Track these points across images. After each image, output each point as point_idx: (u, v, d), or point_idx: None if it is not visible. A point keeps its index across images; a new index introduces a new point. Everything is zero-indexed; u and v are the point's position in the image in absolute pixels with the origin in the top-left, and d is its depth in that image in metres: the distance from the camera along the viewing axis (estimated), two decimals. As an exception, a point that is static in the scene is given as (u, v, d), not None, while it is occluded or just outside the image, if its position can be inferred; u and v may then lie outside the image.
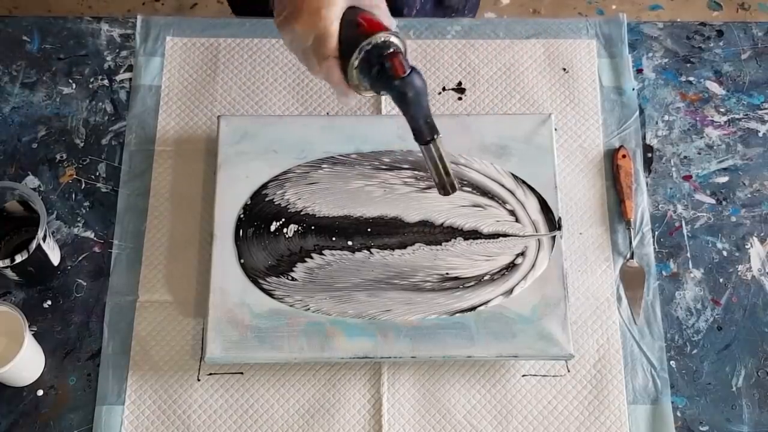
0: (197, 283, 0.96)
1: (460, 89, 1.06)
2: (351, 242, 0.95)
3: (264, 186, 0.97)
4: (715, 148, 1.05)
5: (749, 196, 1.02)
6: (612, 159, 1.03)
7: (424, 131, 0.75)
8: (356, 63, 0.74)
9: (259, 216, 0.95)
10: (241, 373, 0.93)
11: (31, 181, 1.01)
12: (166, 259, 0.97)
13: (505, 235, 0.95)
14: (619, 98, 1.06)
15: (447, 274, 0.93)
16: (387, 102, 1.05)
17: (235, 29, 1.09)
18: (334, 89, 0.79)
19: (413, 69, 0.73)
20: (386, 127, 0.99)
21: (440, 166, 0.76)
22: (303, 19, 0.75)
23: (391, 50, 0.73)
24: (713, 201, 1.02)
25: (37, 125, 1.04)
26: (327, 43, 0.74)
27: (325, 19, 0.74)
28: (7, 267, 0.88)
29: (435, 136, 0.75)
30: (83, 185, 1.01)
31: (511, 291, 0.93)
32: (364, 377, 0.93)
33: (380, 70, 0.73)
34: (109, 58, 1.07)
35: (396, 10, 1.14)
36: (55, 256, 0.95)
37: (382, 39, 0.73)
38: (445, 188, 0.78)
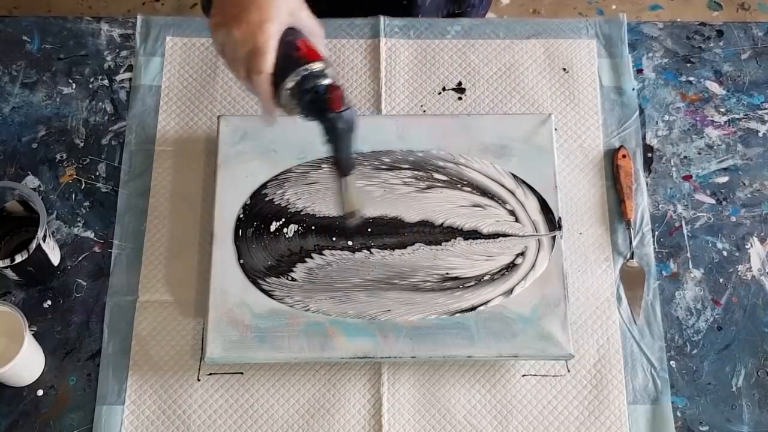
0: (197, 283, 0.96)
1: (460, 89, 1.06)
2: (351, 242, 0.95)
3: (264, 186, 0.97)
4: (715, 148, 1.05)
5: (749, 196, 1.02)
6: (612, 159, 1.03)
7: (346, 166, 0.78)
8: (290, 85, 0.75)
9: (258, 216, 0.95)
10: (241, 373, 0.93)
11: (31, 181, 1.01)
12: (166, 259, 0.97)
13: (505, 235, 0.95)
14: (619, 98, 1.06)
15: (447, 274, 0.93)
16: (387, 102, 1.05)
17: (235, 29, 1.09)
18: (260, 104, 0.79)
19: (348, 105, 0.75)
20: (386, 127, 0.99)
21: (351, 198, 0.80)
22: (243, 29, 0.74)
23: (330, 82, 0.75)
24: (713, 201, 1.02)
25: (37, 125, 1.04)
26: (264, 59, 0.74)
27: (266, 34, 0.74)
28: (7, 267, 0.88)
29: (352, 172, 0.78)
30: (83, 185, 1.01)
31: (511, 291, 0.93)
32: (364, 377, 0.93)
33: (315, 99, 0.75)
34: (109, 58, 1.07)
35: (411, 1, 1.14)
36: (55, 256, 0.95)
37: (320, 68, 0.75)
38: (350, 219, 0.82)
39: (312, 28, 0.79)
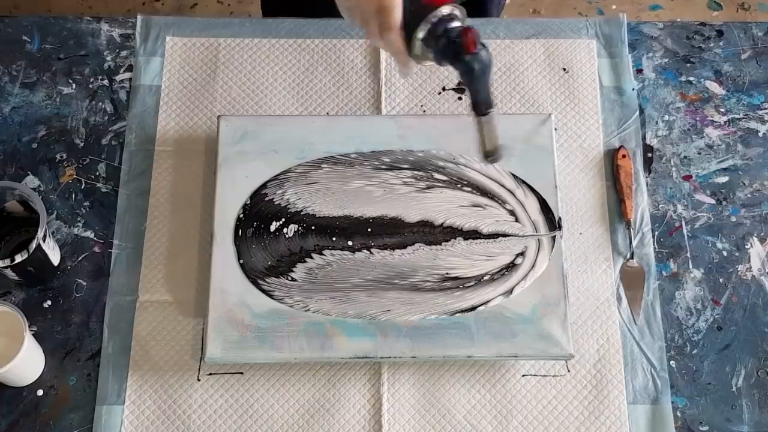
0: (197, 283, 0.96)
1: (460, 89, 1.06)
2: (351, 242, 0.95)
3: (263, 186, 0.97)
4: (715, 148, 1.05)
5: (749, 196, 1.02)
6: (612, 159, 1.03)
7: (485, 103, 0.77)
8: (421, 35, 0.75)
9: (258, 216, 0.95)
10: (241, 373, 0.93)
11: (31, 181, 1.01)
12: (166, 259, 0.97)
13: (504, 235, 0.95)
14: (619, 98, 1.06)
15: (447, 274, 0.93)
16: (387, 102, 1.05)
17: (235, 29, 1.09)
18: (394, 58, 0.79)
19: (483, 45, 0.74)
20: (386, 127, 0.99)
21: (492, 137, 0.78)
22: None
23: (462, 25, 0.74)
24: (713, 201, 1.02)
25: (37, 125, 1.04)
26: (393, 13, 0.75)
27: None
28: (7, 267, 0.88)
29: (491, 111, 0.77)
30: (83, 185, 1.01)
31: (511, 291, 0.93)
32: (364, 377, 0.93)
33: (448, 44, 0.74)
34: (109, 58, 1.07)
35: None
36: (55, 256, 0.95)
37: (448, 12, 0.75)
38: (492, 157, 0.80)
39: None
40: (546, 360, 0.93)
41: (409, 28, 0.76)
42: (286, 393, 0.92)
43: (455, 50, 0.74)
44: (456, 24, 0.74)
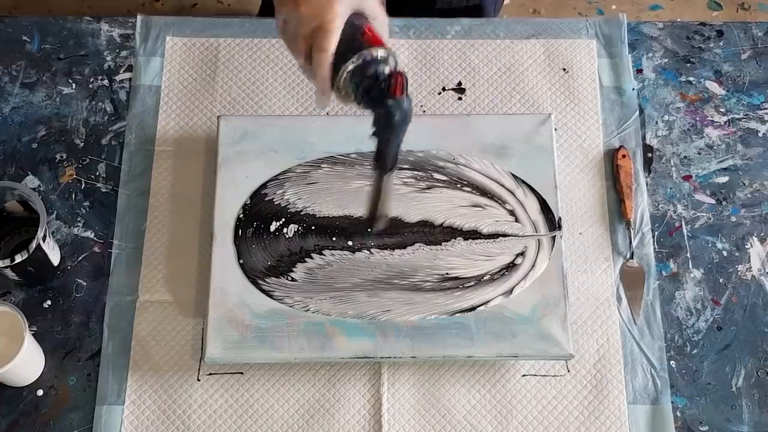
0: (197, 283, 0.96)
1: (460, 89, 1.06)
2: (351, 242, 0.95)
3: (263, 186, 0.97)
4: (715, 148, 1.05)
5: (749, 196, 1.02)
6: (612, 159, 1.03)
7: (391, 160, 0.75)
8: (351, 67, 0.73)
9: (258, 216, 0.95)
10: (241, 373, 0.93)
11: (31, 181, 1.01)
12: (166, 259, 0.97)
13: (504, 235, 0.95)
14: (619, 98, 1.06)
15: (447, 274, 0.93)
16: (387, 102, 1.05)
17: (235, 29, 1.09)
18: (316, 85, 0.77)
19: (408, 96, 0.73)
20: (386, 127, 0.99)
21: (386, 200, 0.78)
22: (312, 5, 0.73)
23: (394, 68, 0.73)
24: (713, 201, 1.02)
25: (37, 125, 1.04)
26: (330, 37, 0.73)
27: (334, 13, 0.73)
28: (7, 267, 0.88)
29: (394, 170, 0.76)
30: (83, 185, 1.01)
31: (510, 291, 0.93)
32: (364, 377, 0.93)
33: (375, 83, 0.73)
34: (109, 58, 1.07)
35: None
36: (55, 256, 0.95)
37: (383, 55, 0.73)
38: (374, 220, 0.79)
39: (377, 15, 0.77)
40: (546, 360, 0.93)
41: (340, 58, 0.74)
42: (286, 393, 0.92)
43: (380, 91, 0.72)
44: (388, 68, 0.73)
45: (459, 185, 0.97)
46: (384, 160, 0.76)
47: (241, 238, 0.94)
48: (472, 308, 0.92)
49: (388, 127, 0.74)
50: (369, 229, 0.79)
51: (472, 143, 0.99)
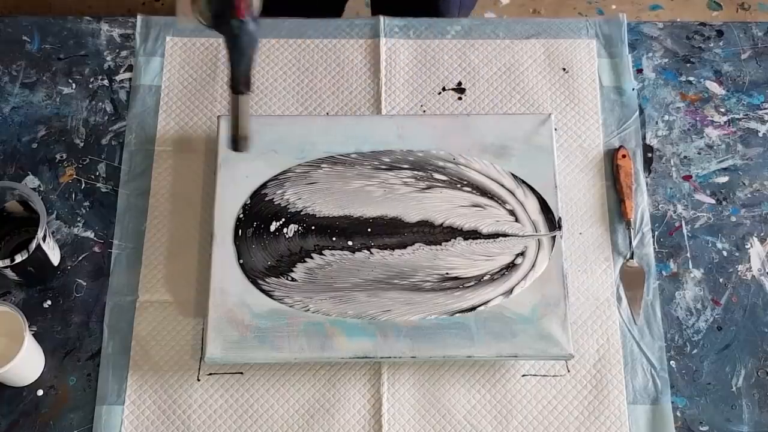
0: (197, 283, 0.96)
1: (460, 89, 1.06)
2: (351, 242, 0.95)
3: (263, 186, 0.97)
4: (715, 148, 1.05)
5: (749, 196, 1.02)
6: (612, 159, 1.03)
7: (243, 81, 0.77)
8: None
9: (258, 216, 0.95)
10: (241, 373, 0.93)
11: (31, 181, 1.01)
12: (166, 259, 0.97)
13: (504, 235, 0.95)
14: (619, 98, 1.06)
15: (447, 274, 0.93)
16: (387, 102, 1.05)
17: (235, 29, 1.09)
18: (178, 6, 0.78)
19: (255, 19, 0.74)
20: (386, 127, 0.99)
21: (244, 122, 0.79)
22: None
23: None
24: (713, 201, 1.02)
25: (37, 125, 1.04)
26: None
27: None
28: (7, 267, 0.88)
29: (246, 92, 0.77)
30: (83, 185, 1.01)
31: (510, 291, 0.93)
32: (364, 377, 0.93)
33: (222, 6, 0.74)
34: (109, 58, 1.07)
35: None
36: (55, 256, 0.95)
37: None
38: (236, 143, 0.81)
39: None
40: (546, 360, 0.93)
41: None
42: (286, 393, 0.92)
43: (224, 9, 0.74)
44: None
45: (459, 185, 0.97)
46: (235, 81, 0.77)
47: (241, 238, 0.94)
48: (472, 308, 0.92)
49: (234, 48, 0.75)
50: (235, 149, 0.82)
51: (472, 143, 0.98)
